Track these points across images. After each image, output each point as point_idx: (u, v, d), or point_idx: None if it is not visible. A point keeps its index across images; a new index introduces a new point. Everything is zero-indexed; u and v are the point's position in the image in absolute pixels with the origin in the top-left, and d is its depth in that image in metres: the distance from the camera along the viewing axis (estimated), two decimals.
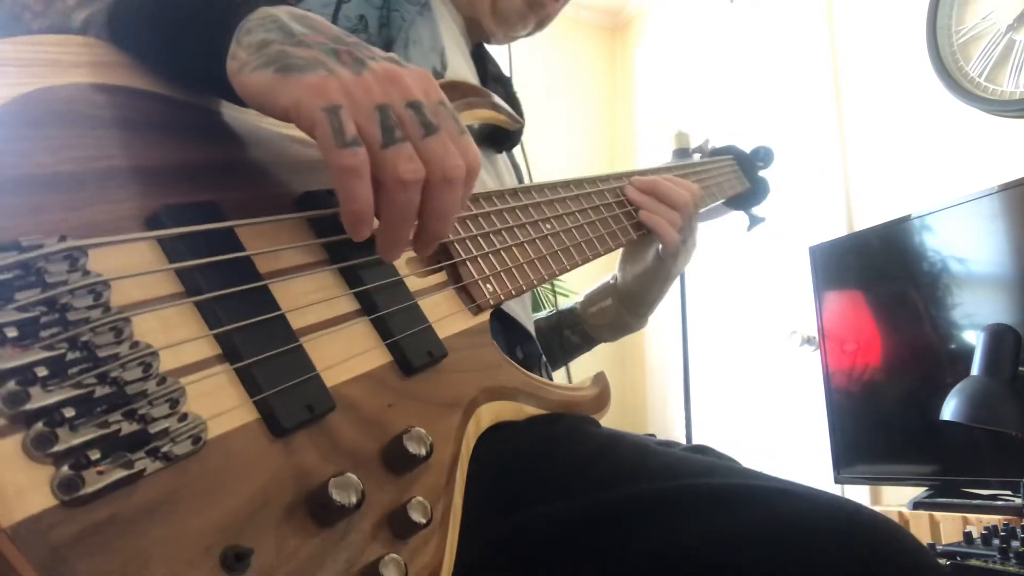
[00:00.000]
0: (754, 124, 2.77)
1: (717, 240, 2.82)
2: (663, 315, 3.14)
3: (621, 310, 1.00)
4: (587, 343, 1.04)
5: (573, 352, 1.05)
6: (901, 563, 0.48)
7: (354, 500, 0.40)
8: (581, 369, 0.94)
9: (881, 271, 1.80)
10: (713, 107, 2.99)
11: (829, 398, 1.86)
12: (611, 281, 1.01)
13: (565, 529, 0.55)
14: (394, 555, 0.41)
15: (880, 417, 1.74)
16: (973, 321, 1.54)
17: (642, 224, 0.88)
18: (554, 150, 3.33)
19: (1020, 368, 1.32)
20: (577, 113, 3.56)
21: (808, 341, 2.37)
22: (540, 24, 0.97)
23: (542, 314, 1.07)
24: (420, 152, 0.45)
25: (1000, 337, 1.36)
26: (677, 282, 2.48)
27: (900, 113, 2.25)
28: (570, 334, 1.03)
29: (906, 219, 1.73)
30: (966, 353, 1.48)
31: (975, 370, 1.36)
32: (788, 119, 2.65)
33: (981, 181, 1.74)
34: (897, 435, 1.70)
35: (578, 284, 1.27)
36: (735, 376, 2.77)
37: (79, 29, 0.50)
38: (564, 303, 1.11)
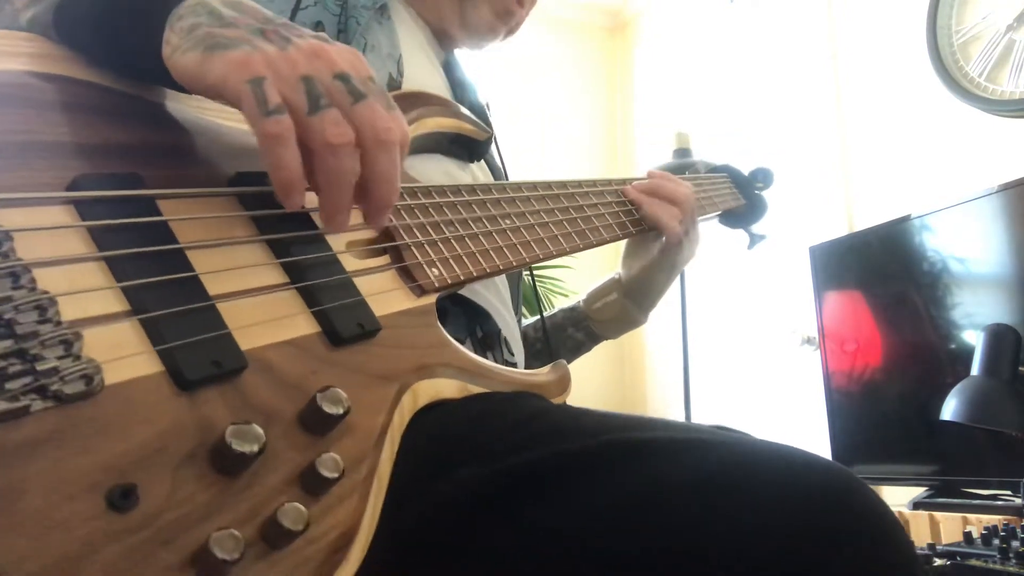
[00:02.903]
0: (754, 124, 2.77)
1: (717, 241, 2.82)
2: (663, 315, 3.14)
3: (627, 303, 1.01)
4: (591, 340, 1.05)
5: (577, 350, 1.06)
6: (844, 514, 0.45)
7: (255, 448, 0.40)
8: (583, 369, 0.94)
9: (881, 271, 1.80)
10: (713, 107, 2.99)
11: (829, 398, 1.86)
12: (615, 277, 1.03)
13: (488, 491, 0.53)
14: (295, 503, 0.41)
15: (880, 417, 1.75)
16: (973, 321, 1.54)
17: (643, 220, 0.92)
18: (554, 150, 3.33)
19: (1020, 368, 1.32)
20: (577, 113, 3.56)
21: (808, 341, 2.37)
22: (510, 32, 0.97)
23: (547, 313, 1.07)
24: (350, 117, 0.45)
25: (1000, 337, 1.36)
26: (677, 283, 2.49)
27: (900, 113, 2.25)
28: (574, 331, 1.04)
29: (906, 219, 1.73)
30: (966, 353, 1.48)
31: (975, 370, 1.36)
32: (788, 119, 2.65)
33: (981, 181, 1.73)
34: (897, 435, 1.70)
35: (579, 284, 1.27)
36: (735, 376, 2.77)
37: (25, 29, 0.51)
38: (566, 302, 1.11)
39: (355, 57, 0.48)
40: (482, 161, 0.91)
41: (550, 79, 3.48)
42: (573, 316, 1.04)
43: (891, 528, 0.46)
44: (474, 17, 0.91)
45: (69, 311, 0.39)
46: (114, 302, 0.41)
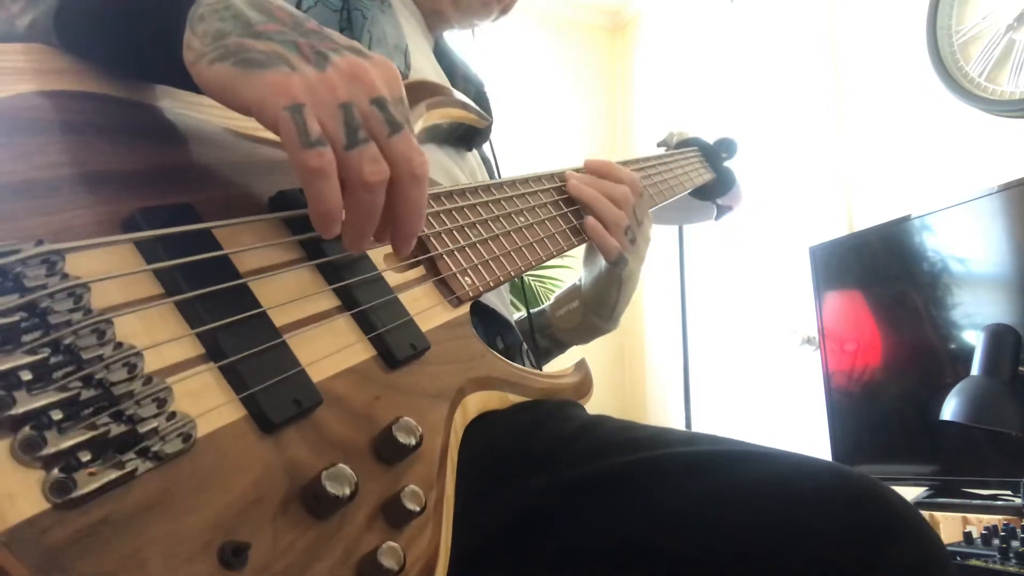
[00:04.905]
0: (754, 124, 2.77)
1: (717, 240, 2.81)
2: (663, 315, 3.15)
3: (587, 313, 0.94)
4: (557, 347, 0.99)
5: (544, 357, 0.99)
6: (883, 519, 0.49)
7: (348, 491, 0.41)
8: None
9: (881, 271, 1.80)
10: (713, 107, 2.99)
11: (829, 398, 1.86)
12: (577, 283, 0.97)
13: (551, 501, 0.55)
14: (391, 543, 0.42)
15: (880, 417, 1.74)
16: (973, 321, 1.54)
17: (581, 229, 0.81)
18: (554, 150, 3.33)
19: (1020, 368, 1.32)
20: (577, 113, 3.56)
21: (808, 341, 2.37)
22: (503, 11, 0.95)
23: (518, 316, 1.04)
24: (386, 150, 0.44)
25: (1000, 337, 1.36)
26: (678, 282, 2.49)
27: (900, 113, 2.25)
28: (540, 338, 0.98)
29: (906, 219, 1.73)
30: (966, 353, 1.48)
31: (975, 370, 1.36)
32: (788, 119, 2.65)
33: (981, 181, 1.73)
34: (897, 435, 1.70)
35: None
36: (735, 376, 2.77)
37: (24, 35, 0.49)
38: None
39: (390, 74, 0.46)
40: (473, 151, 0.90)
41: (550, 79, 3.48)
42: (539, 321, 0.98)
43: (922, 523, 0.50)
44: None
45: (151, 362, 0.39)
46: (190, 348, 0.41)
